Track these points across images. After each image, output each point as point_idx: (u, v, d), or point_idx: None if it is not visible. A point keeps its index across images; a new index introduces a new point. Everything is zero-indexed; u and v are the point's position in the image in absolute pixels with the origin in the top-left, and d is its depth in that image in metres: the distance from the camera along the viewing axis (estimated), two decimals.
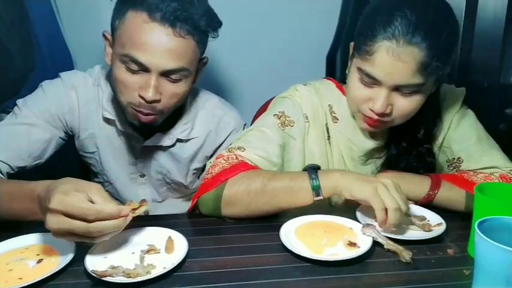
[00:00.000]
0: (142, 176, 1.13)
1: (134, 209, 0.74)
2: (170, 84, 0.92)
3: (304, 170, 0.87)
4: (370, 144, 0.98)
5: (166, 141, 1.07)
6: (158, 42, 0.87)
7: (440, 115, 1.01)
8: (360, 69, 0.86)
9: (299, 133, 0.97)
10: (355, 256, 0.70)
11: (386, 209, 0.74)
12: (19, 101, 1.02)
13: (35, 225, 0.81)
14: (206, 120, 1.10)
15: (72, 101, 1.04)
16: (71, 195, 0.66)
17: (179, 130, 1.08)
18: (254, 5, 1.53)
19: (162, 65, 0.89)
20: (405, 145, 0.99)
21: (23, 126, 0.98)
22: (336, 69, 1.58)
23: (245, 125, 1.16)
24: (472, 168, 0.96)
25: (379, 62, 0.82)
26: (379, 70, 0.83)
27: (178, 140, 1.08)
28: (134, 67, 0.89)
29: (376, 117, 0.88)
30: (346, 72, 0.95)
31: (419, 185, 0.90)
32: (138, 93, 0.91)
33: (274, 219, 0.84)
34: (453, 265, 0.70)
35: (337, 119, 1.00)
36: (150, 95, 0.89)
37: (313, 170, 0.83)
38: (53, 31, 1.44)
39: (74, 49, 1.45)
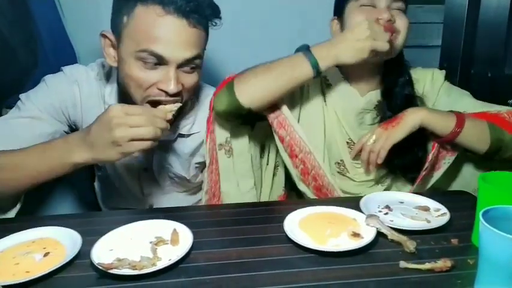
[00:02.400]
0: (146, 170, 1.13)
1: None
2: (187, 76, 0.94)
3: (297, 51, 0.94)
4: (362, 102, 1.03)
5: (168, 136, 1.07)
6: (175, 34, 0.89)
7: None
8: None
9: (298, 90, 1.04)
10: (359, 247, 0.70)
11: None
12: (22, 96, 1.02)
13: (41, 220, 0.82)
14: (206, 114, 1.08)
15: (75, 95, 1.03)
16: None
17: (181, 125, 1.08)
18: (255, 4, 1.53)
19: (181, 55, 0.90)
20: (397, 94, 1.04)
21: (26, 119, 0.98)
22: None
23: None
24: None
25: None
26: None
27: (180, 135, 1.09)
28: (152, 61, 0.90)
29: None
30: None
31: (446, 121, 0.94)
32: (158, 87, 0.92)
33: (278, 210, 0.84)
34: (457, 255, 0.70)
35: (330, 84, 1.06)
36: (172, 87, 0.90)
37: (306, 51, 0.91)
38: (55, 27, 1.44)
39: (78, 45, 1.45)
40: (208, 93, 1.12)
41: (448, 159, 1.01)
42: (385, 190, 1.06)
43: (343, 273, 0.66)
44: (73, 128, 1.07)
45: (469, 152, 0.98)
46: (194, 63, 0.94)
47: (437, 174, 1.01)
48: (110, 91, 1.05)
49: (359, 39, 0.88)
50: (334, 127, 1.06)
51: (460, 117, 0.93)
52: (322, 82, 1.07)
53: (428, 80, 1.08)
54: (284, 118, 0.98)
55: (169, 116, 0.88)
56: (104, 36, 0.96)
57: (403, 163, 1.03)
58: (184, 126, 1.08)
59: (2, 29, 1.30)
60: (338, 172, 1.08)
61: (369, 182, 1.08)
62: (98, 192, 1.27)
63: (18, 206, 0.95)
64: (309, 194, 1.03)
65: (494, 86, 1.45)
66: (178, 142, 1.10)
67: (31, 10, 1.38)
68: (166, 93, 0.91)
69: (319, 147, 1.04)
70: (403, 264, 0.67)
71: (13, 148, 0.91)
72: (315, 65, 0.90)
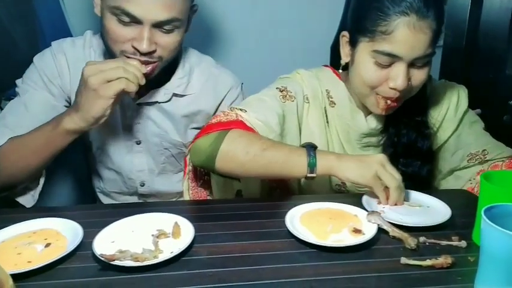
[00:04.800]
0: (139, 142, 1.12)
1: None
2: (163, 35, 0.94)
3: (303, 146, 0.87)
4: (366, 127, 0.99)
5: (162, 96, 1.07)
6: None
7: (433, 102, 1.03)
8: (375, 51, 0.86)
9: (298, 110, 0.99)
10: (360, 242, 0.70)
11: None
12: (18, 81, 1.06)
13: (43, 210, 0.82)
14: (202, 78, 1.11)
15: (61, 63, 1.05)
16: None
17: (175, 84, 1.08)
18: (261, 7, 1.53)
19: (155, 16, 0.90)
20: (405, 120, 1.00)
21: (27, 101, 1.02)
22: (340, 59, 1.58)
23: (242, 84, 1.18)
24: (500, 157, 0.99)
25: (401, 38, 0.83)
26: (401, 46, 0.84)
27: (174, 95, 1.08)
28: (126, 19, 0.91)
29: (398, 94, 0.89)
30: (345, 61, 0.97)
31: None
32: (132, 44, 0.92)
33: (280, 205, 0.84)
34: (458, 252, 0.70)
35: (335, 104, 1.01)
36: (144, 47, 0.91)
37: (311, 148, 0.84)
38: (58, 22, 1.44)
39: None
40: (201, 57, 1.15)
41: None
42: None
43: (345, 268, 0.66)
44: (69, 101, 1.08)
45: None
46: (172, 24, 0.93)
47: None
48: (100, 54, 1.07)
49: (369, 177, 0.80)
50: (336, 149, 1.02)
51: None
52: (326, 100, 1.02)
53: (453, 104, 1.02)
54: None
55: (144, 69, 0.91)
56: None
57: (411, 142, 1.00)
58: (179, 86, 1.09)
59: (4, 22, 1.30)
60: (336, 191, 1.04)
61: None
62: (93, 180, 1.27)
63: (40, 187, 1.01)
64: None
65: (495, 87, 1.46)
66: (173, 102, 1.09)
67: (34, 5, 1.38)
68: (139, 51, 0.92)
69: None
70: (404, 260, 0.67)
71: (25, 128, 0.96)
72: (312, 170, 0.82)
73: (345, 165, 0.81)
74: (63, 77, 1.05)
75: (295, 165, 0.83)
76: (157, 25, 0.92)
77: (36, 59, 1.06)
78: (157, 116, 1.10)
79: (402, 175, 0.84)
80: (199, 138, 0.88)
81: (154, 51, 0.94)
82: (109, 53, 1.01)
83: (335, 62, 1.58)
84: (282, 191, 1.01)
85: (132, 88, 0.85)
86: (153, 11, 0.89)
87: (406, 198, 0.87)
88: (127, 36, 0.92)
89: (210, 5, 1.48)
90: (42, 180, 1.02)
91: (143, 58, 0.93)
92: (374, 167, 0.79)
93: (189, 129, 1.14)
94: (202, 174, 0.99)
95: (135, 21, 0.90)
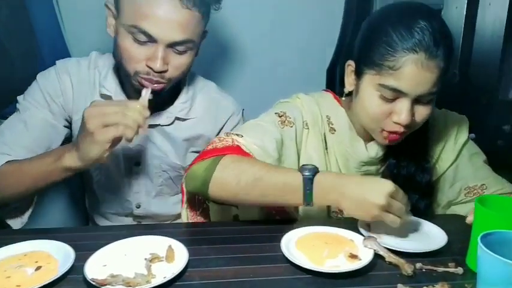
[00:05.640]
0: (138, 164, 1.12)
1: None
2: (176, 56, 0.96)
3: (302, 169, 0.81)
4: (365, 155, 0.98)
5: (165, 119, 1.08)
6: (166, 14, 0.90)
7: (438, 135, 1.02)
8: (381, 85, 0.85)
9: (297, 135, 0.97)
10: (356, 268, 0.70)
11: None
12: (19, 97, 1.06)
13: (34, 232, 0.80)
14: (204, 103, 1.13)
15: (65, 83, 1.06)
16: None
17: (178, 108, 1.09)
18: (259, 19, 1.55)
19: (170, 37, 0.92)
20: (405, 150, 0.98)
21: (27, 119, 1.02)
22: (335, 82, 1.60)
23: (243, 110, 1.19)
24: (499, 193, 0.97)
25: (407, 75, 0.82)
26: (407, 82, 0.83)
27: (177, 119, 1.10)
28: (142, 38, 0.92)
29: (402, 129, 0.87)
30: (348, 90, 0.96)
31: None
32: (146, 64, 0.94)
33: (275, 229, 0.83)
34: (455, 279, 0.69)
35: (335, 130, 1.00)
36: (158, 66, 0.93)
37: (309, 181, 0.78)
38: (56, 40, 1.44)
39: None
40: (204, 82, 1.16)
41: None
42: None
43: None
44: (69, 121, 1.09)
45: None
46: (185, 46, 0.95)
47: None
48: (105, 74, 1.07)
49: (369, 218, 0.77)
50: (333, 171, 0.99)
51: None
52: (326, 126, 1.00)
53: (453, 135, 1.02)
54: None
55: (146, 103, 0.87)
56: (107, 6, 0.99)
57: (409, 175, 0.99)
58: (182, 110, 1.10)
59: (2, 40, 1.31)
60: (332, 217, 1.01)
61: None
62: (87, 199, 1.27)
63: (30, 210, 1.01)
64: None
65: (489, 112, 1.48)
66: (175, 126, 1.11)
67: (32, 23, 1.39)
68: (153, 70, 0.94)
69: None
70: (400, 287, 0.66)
71: (23, 147, 0.98)
72: (309, 202, 0.79)
73: (344, 203, 0.77)
74: (66, 96, 1.06)
75: (290, 198, 0.80)
76: (172, 45, 0.94)
77: (39, 77, 1.06)
78: (158, 139, 1.10)
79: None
80: (194, 165, 0.87)
81: (165, 71, 0.95)
82: (122, 73, 1.04)
83: (331, 84, 1.61)
84: (281, 217, 0.98)
85: (130, 135, 0.81)
86: (169, 31, 0.91)
87: (403, 224, 0.87)
88: (142, 55, 0.94)
89: (213, 29, 1.51)
90: (33, 203, 1.01)
91: (155, 78, 0.95)
92: (373, 211, 0.75)
93: (189, 153, 1.14)
94: (201, 201, 0.97)
95: (151, 40, 0.92)
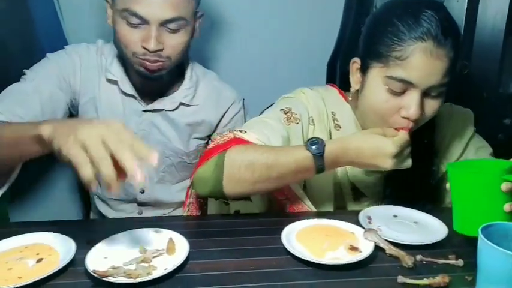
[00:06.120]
0: None
1: None
2: (170, 35, 0.99)
3: (306, 142, 0.83)
4: None
5: (169, 105, 1.12)
6: None
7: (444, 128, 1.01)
8: (389, 77, 0.83)
9: (303, 132, 0.95)
10: (357, 260, 0.70)
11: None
12: (25, 71, 1.06)
13: (35, 225, 0.80)
14: (207, 90, 1.17)
15: (75, 64, 1.09)
16: None
17: (183, 94, 1.13)
18: (258, 14, 1.54)
19: (161, 15, 0.96)
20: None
21: (29, 88, 1.01)
22: (336, 77, 1.60)
23: (244, 99, 1.22)
24: None
25: (416, 64, 0.80)
26: (416, 72, 0.80)
27: (181, 104, 1.13)
28: (134, 21, 0.96)
29: (410, 125, 0.85)
30: (354, 89, 0.93)
31: None
32: (141, 45, 0.98)
33: (276, 222, 0.84)
34: (455, 271, 0.70)
35: (340, 127, 0.98)
36: (152, 46, 0.97)
37: (320, 158, 0.81)
38: (55, 33, 1.44)
39: None
40: (205, 70, 1.21)
41: None
42: None
43: (341, 287, 0.66)
44: (72, 102, 1.11)
45: None
46: (177, 23, 0.98)
47: None
48: (111, 61, 1.11)
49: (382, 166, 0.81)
50: (339, 172, 0.98)
51: None
52: (331, 122, 0.98)
53: (458, 129, 1.00)
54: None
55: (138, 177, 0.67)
56: None
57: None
58: (186, 96, 1.13)
59: (1, 34, 1.30)
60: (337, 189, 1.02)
61: None
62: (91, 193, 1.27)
63: (6, 185, 0.91)
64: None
65: (490, 106, 1.47)
66: (179, 111, 1.14)
67: (33, 20, 1.39)
68: (149, 50, 0.97)
69: (325, 204, 0.98)
70: (401, 279, 0.67)
71: (23, 113, 0.95)
72: (320, 170, 0.82)
73: (358, 163, 0.83)
74: (75, 77, 1.09)
75: (305, 176, 0.86)
76: (163, 24, 0.97)
77: (50, 55, 1.09)
78: (162, 124, 1.13)
79: (403, 197, 0.87)
80: (199, 168, 0.84)
81: (162, 50, 0.99)
82: (122, 59, 1.09)
83: (332, 79, 1.61)
84: (290, 201, 0.95)
85: (85, 177, 0.63)
86: (158, 10, 0.95)
87: (403, 217, 0.87)
88: (137, 37, 0.98)
89: (214, 18, 1.51)
90: (12, 178, 0.92)
91: (153, 58, 0.98)
92: (387, 161, 0.80)
93: (191, 139, 1.17)
94: (202, 204, 0.96)
95: (143, 22, 0.96)
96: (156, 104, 1.11)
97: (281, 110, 0.95)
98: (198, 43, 1.39)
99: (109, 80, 1.10)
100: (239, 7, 1.49)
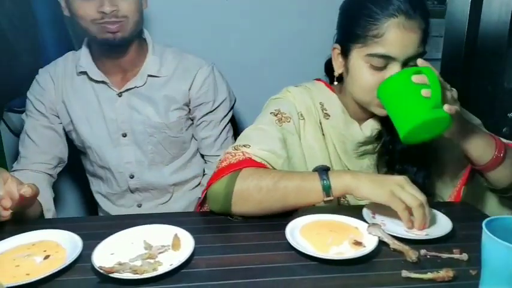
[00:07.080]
0: (125, 135, 1.19)
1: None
2: (122, 0, 1.07)
3: (314, 170, 0.86)
4: (361, 136, 0.99)
5: (139, 80, 1.18)
6: None
7: None
8: (370, 55, 0.89)
9: (296, 129, 0.99)
10: (361, 255, 0.70)
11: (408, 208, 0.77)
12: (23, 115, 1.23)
13: (42, 222, 0.81)
14: (174, 61, 1.22)
15: (46, 80, 1.20)
16: None
17: (148, 65, 1.19)
18: (256, 8, 1.55)
19: None
20: None
21: (27, 130, 1.18)
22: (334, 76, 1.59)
23: (214, 64, 1.26)
24: None
25: (392, 39, 0.86)
26: (393, 46, 0.87)
27: (149, 76, 1.18)
28: None
29: None
30: (338, 73, 0.98)
31: (485, 146, 0.89)
32: (98, 11, 1.05)
33: (280, 217, 0.84)
34: (459, 265, 0.70)
35: (329, 116, 1.02)
36: (107, 8, 1.05)
37: (323, 171, 0.84)
38: (60, 33, 1.45)
39: None
40: (168, 45, 1.25)
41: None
42: None
43: (345, 281, 0.66)
44: (56, 115, 1.23)
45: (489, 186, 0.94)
46: None
47: None
48: (79, 54, 1.19)
49: (386, 195, 0.78)
50: (333, 161, 1.01)
51: (499, 143, 0.89)
52: (320, 112, 1.02)
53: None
54: None
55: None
56: None
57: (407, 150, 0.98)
58: (153, 66, 1.19)
59: (7, 35, 1.32)
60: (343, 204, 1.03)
61: None
62: (91, 186, 1.32)
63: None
64: None
65: (494, 99, 1.47)
66: (150, 85, 1.19)
67: (38, 18, 1.40)
68: (105, 13, 1.05)
69: None
70: (405, 273, 0.67)
71: (34, 159, 1.16)
72: (328, 193, 0.82)
73: (361, 184, 0.80)
74: (49, 91, 1.19)
75: (310, 192, 0.83)
76: None
77: (28, 93, 1.21)
78: (138, 104, 1.18)
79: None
80: (213, 184, 0.88)
81: (117, 11, 1.06)
82: (90, 46, 1.18)
83: (329, 78, 1.60)
84: None
85: None
86: None
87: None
88: (92, 8, 1.05)
89: (210, 18, 1.50)
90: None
91: (111, 19, 1.06)
92: (390, 186, 0.78)
93: (170, 111, 1.21)
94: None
95: None
96: (128, 84, 1.17)
97: (271, 113, 1.00)
98: (195, 43, 1.40)
99: (80, 73, 1.18)
100: (238, 3, 1.49)
